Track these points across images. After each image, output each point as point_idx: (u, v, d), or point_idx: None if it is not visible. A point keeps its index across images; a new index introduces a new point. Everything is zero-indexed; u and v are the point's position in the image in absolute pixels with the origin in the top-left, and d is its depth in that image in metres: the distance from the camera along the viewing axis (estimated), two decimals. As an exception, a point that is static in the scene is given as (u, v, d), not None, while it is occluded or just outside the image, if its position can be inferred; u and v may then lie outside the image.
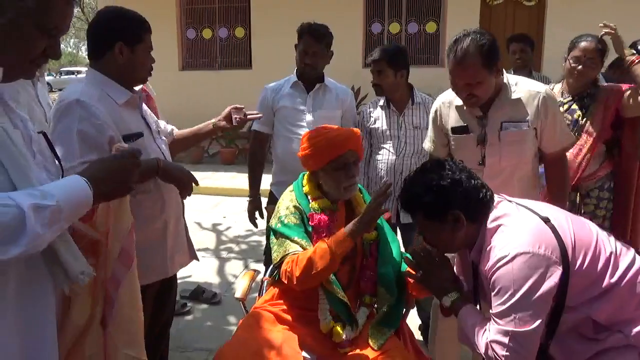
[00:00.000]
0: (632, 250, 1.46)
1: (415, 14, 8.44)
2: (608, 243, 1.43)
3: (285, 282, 1.74)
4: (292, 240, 1.76)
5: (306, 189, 1.90)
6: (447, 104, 2.17)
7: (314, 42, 2.59)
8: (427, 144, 2.36)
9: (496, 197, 1.53)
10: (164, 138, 2.05)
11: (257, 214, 2.84)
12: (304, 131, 2.62)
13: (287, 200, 1.89)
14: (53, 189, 1.03)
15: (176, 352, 2.70)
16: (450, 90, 2.10)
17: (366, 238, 1.86)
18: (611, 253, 1.40)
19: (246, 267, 4.09)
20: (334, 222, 1.83)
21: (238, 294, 2.05)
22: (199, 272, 3.75)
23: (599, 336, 1.38)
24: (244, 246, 4.60)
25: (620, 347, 1.36)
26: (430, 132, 2.32)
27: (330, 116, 2.69)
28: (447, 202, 1.46)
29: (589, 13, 7.39)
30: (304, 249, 1.74)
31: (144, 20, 1.84)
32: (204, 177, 7.00)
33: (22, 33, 1.06)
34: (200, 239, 4.68)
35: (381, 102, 2.79)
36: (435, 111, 2.23)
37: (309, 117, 2.68)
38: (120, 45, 1.76)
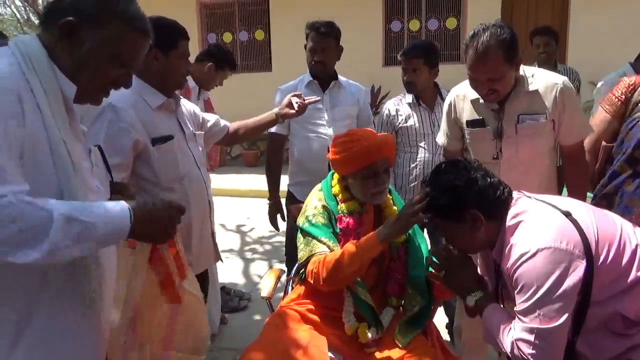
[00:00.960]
0: None
1: (435, 10, 8.34)
2: (633, 236, 1.40)
3: (312, 282, 1.74)
4: (319, 241, 1.76)
5: (335, 189, 1.88)
6: (462, 96, 2.13)
7: (322, 38, 2.59)
8: (441, 138, 2.31)
9: (515, 194, 1.51)
10: (200, 141, 2.11)
11: (278, 216, 2.85)
12: (322, 130, 2.64)
13: (316, 199, 1.88)
14: (98, 207, 1.04)
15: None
16: (464, 82, 2.07)
17: (394, 241, 1.81)
18: (637, 246, 1.36)
19: (270, 267, 4.11)
20: (362, 226, 1.81)
21: (264, 293, 2.05)
22: (224, 273, 3.80)
23: (629, 331, 1.35)
24: (268, 247, 4.64)
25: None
26: (443, 126, 2.27)
27: (348, 114, 2.70)
28: (464, 201, 1.45)
29: (615, 2, 7.21)
30: (331, 249, 1.73)
31: (180, 28, 1.91)
32: (228, 180, 7.09)
33: (97, 62, 1.11)
34: (225, 240, 4.75)
35: (409, 100, 2.75)
36: (450, 104, 2.19)
37: (326, 115, 2.67)
38: (155, 52, 1.83)
